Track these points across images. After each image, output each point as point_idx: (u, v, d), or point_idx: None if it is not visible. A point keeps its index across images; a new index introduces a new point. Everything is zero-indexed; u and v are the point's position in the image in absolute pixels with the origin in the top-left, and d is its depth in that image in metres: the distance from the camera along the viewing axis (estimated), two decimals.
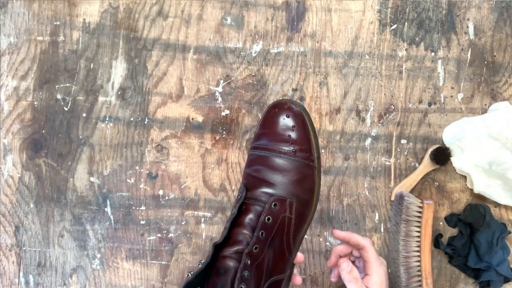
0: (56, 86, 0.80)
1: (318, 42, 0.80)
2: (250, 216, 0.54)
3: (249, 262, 0.51)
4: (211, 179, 0.79)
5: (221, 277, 0.51)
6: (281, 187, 0.56)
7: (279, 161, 0.57)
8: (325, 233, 0.78)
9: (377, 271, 0.58)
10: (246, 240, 0.53)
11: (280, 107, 0.58)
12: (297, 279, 0.60)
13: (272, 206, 0.54)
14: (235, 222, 0.55)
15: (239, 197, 0.56)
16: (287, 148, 0.57)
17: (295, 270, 0.59)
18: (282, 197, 0.55)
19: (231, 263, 0.52)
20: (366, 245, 0.59)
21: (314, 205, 0.59)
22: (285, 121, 0.57)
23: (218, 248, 0.53)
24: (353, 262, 0.63)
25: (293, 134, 0.57)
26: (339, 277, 0.60)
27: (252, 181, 0.57)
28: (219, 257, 0.53)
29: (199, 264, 0.52)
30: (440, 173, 0.78)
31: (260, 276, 0.53)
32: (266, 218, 0.54)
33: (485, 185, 0.75)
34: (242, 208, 0.56)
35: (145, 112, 0.80)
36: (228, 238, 0.54)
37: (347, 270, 0.57)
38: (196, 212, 0.79)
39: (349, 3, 0.80)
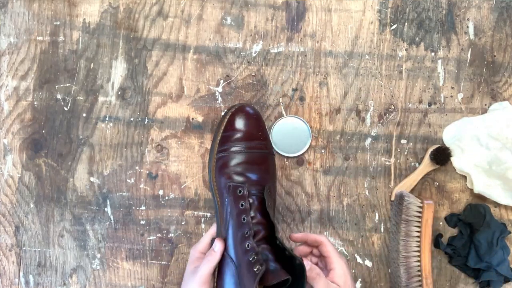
0: (56, 86, 0.80)
1: (318, 42, 0.80)
2: (254, 207, 0.61)
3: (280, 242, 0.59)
4: None
5: (267, 263, 0.57)
6: (265, 177, 0.65)
7: (258, 155, 0.65)
8: (325, 233, 0.78)
9: (339, 263, 0.60)
10: (261, 227, 0.60)
11: (244, 111, 0.67)
12: None
13: (267, 194, 0.62)
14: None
15: (240, 193, 0.62)
16: (260, 144, 0.66)
17: None
18: (269, 184, 0.64)
19: (265, 249, 0.59)
20: (323, 240, 0.62)
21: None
22: (254, 122, 0.66)
23: None
24: (316, 264, 0.64)
25: (261, 132, 0.67)
26: None
27: (241, 177, 0.64)
28: None
29: (252, 260, 0.56)
30: (440, 173, 0.78)
31: None
32: (268, 204, 0.61)
33: (485, 185, 0.75)
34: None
35: (145, 112, 0.80)
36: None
37: (307, 269, 0.57)
38: (196, 212, 0.79)
39: (349, 3, 0.80)
